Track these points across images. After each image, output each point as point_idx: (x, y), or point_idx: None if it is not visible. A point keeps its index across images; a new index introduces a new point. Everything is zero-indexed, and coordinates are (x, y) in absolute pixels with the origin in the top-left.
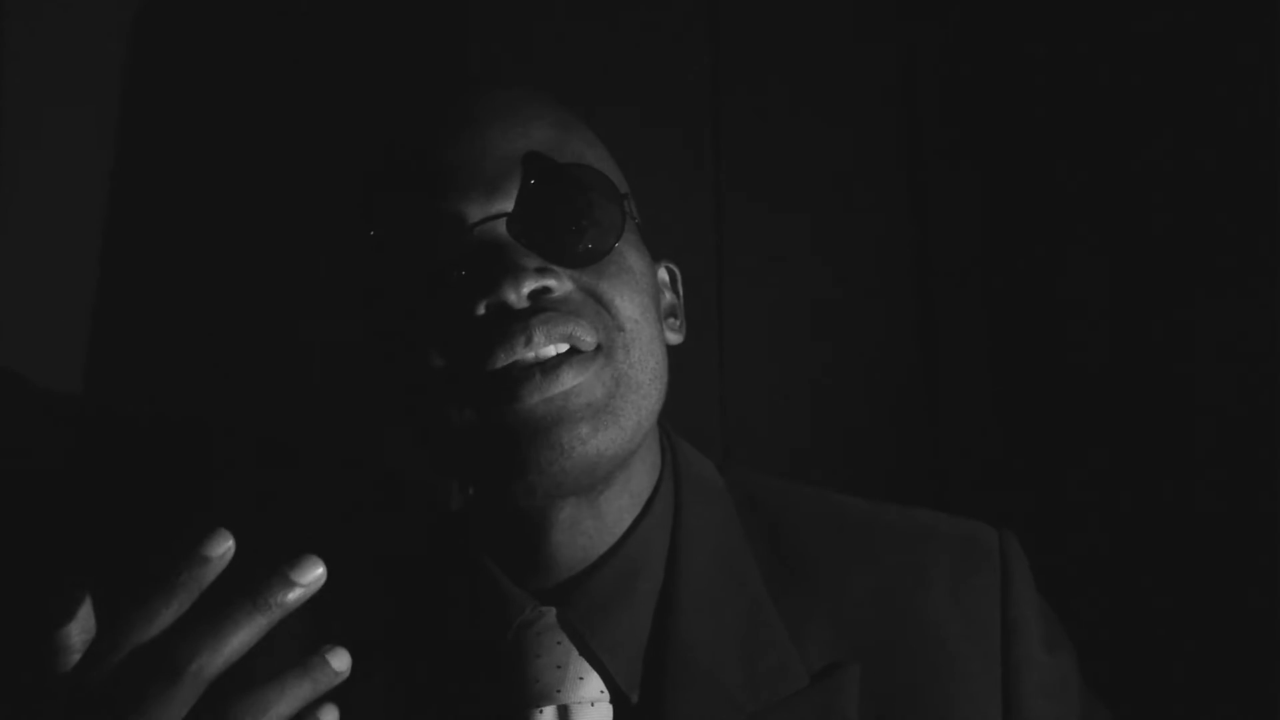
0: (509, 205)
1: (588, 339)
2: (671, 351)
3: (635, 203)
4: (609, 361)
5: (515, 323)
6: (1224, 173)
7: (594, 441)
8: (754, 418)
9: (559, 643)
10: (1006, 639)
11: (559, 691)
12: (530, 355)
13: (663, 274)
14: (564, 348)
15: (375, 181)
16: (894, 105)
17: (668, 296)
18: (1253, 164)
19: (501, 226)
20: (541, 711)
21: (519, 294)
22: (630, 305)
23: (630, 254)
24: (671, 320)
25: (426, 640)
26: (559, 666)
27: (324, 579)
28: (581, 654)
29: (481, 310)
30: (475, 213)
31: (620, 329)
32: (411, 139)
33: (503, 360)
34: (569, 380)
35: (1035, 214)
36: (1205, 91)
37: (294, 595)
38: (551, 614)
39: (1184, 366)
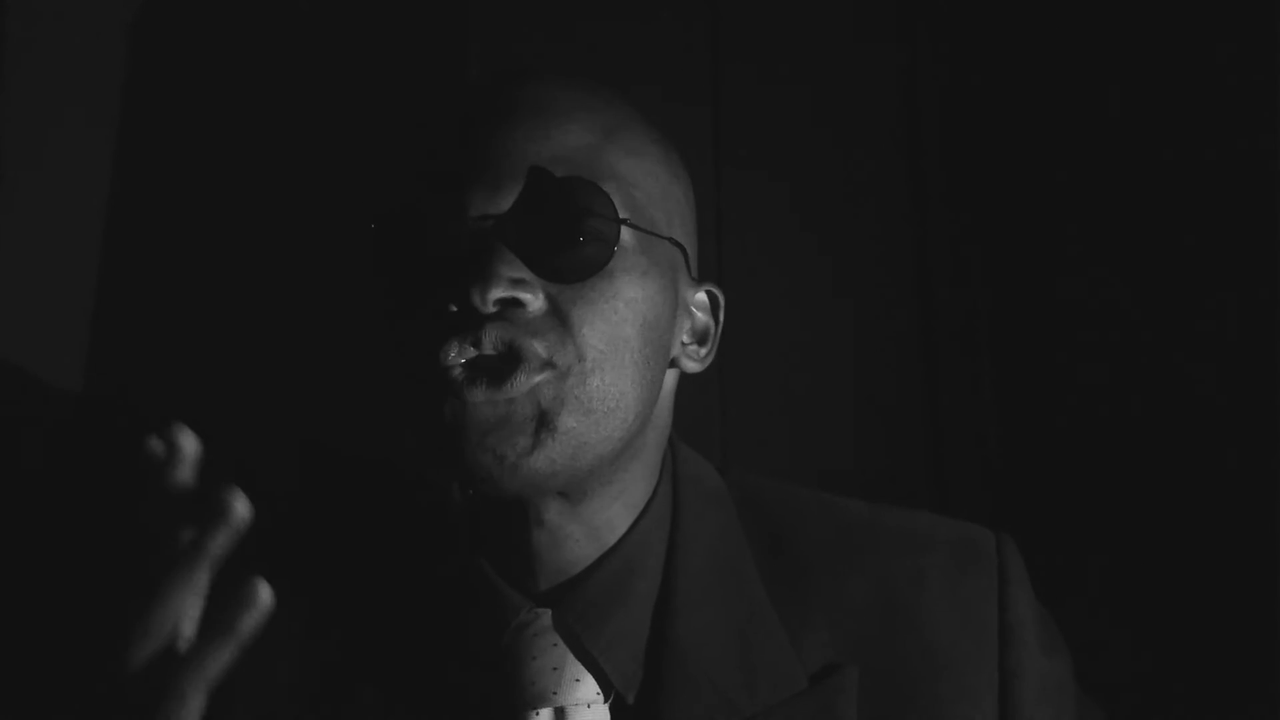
0: (507, 207)
1: (538, 355)
2: None
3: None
4: (559, 381)
5: (470, 325)
6: (1225, 172)
7: (529, 459)
8: (754, 419)
9: (555, 645)
10: (1003, 643)
11: (555, 694)
12: (475, 353)
13: (701, 297)
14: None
15: (395, 172)
16: (895, 105)
17: (700, 320)
18: (1253, 164)
19: (493, 227)
20: (538, 714)
21: (484, 299)
22: (597, 336)
23: (624, 280)
24: (695, 348)
25: (422, 642)
26: (555, 668)
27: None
28: (577, 656)
29: (452, 308)
30: (473, 209)
31: (580, 358)
32: (438, 132)
33: (450, 358)
34: (519, 386)
35: (1036, 214)
36: (1206, 92)
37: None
38: (547, 615)
39: (1184, 366)
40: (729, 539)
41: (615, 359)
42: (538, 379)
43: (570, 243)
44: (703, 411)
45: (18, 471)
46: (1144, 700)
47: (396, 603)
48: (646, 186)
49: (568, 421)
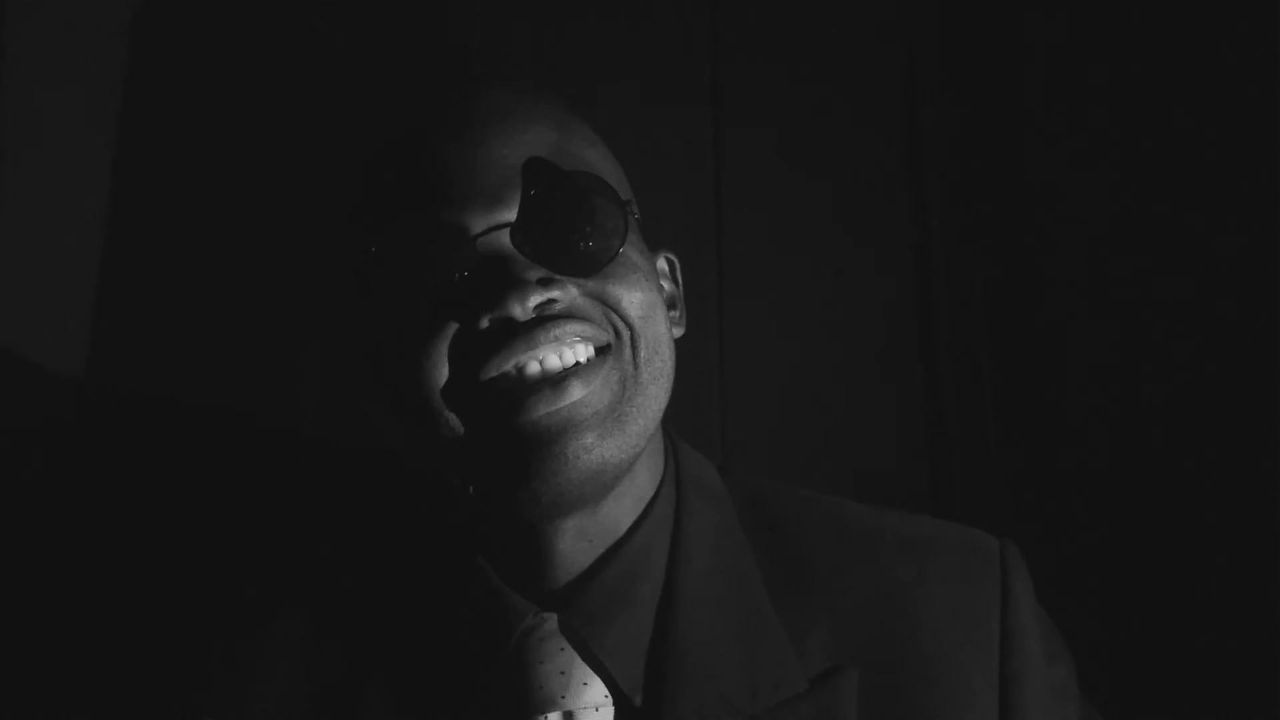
0: (511, 215)
1: (599, 335)
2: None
3: (635, 197)
4: (616, 362)
5: (517, 335)
6: (1225, 169)
7: (599, 450)
8: (754, 418)
9: (561, 649)
10: (1005, 648)
11: (563, 698)
12: (535, 365)
13: (662, 264)
14: (570, 360)
15: (374, 195)
16: (895, 103)
17: (667, 287)
18: (1254, 160)
19: (505, 237)
20: (546, 718)
21: (524, 308)
22: (636, 304)
23: (634, 254)
24: (673, 313)
25: (429, 649)
26: (562, 673)
27: None
28: (584, 659)
29: (485, 324)
30: (477, 224)
31: (629, 326)
32: (408, 149)
33: (500, 366)
34: (577, 392)
35: (1036, 213)
36: (1206, 87)
37: None
38: (553, 620)
39: (1185, 367)
40: (730, 540)
41: (654, 324)
42: (598, 375)
43: (585, 233)
44: (703, 411)
45: (19, 471)
46: (1141, 703)
47: (401, 608)
48: (607, 169)
49: (627, 407)
